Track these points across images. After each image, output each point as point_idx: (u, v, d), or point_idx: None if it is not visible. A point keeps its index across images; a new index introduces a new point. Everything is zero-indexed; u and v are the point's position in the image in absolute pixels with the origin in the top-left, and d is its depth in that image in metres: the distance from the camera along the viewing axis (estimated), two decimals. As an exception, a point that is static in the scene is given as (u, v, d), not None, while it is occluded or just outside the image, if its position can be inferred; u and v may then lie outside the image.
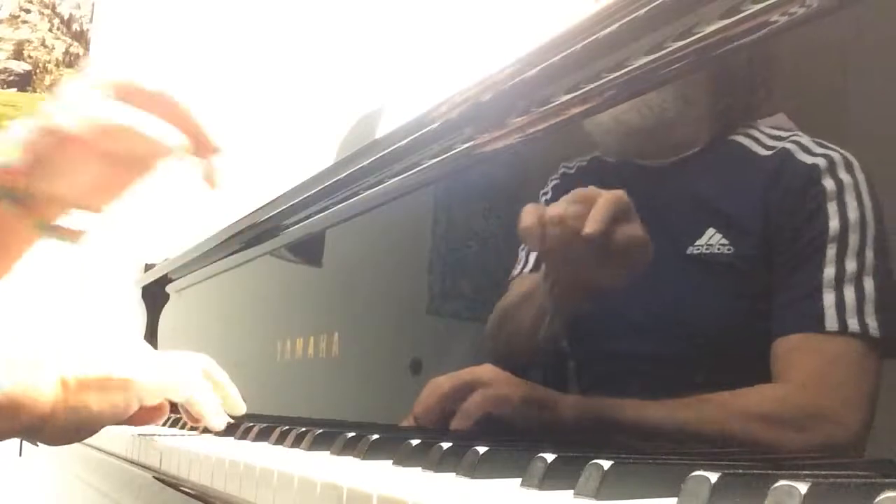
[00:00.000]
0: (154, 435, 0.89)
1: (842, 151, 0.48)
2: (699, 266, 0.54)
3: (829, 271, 0.47)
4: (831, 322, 0.47)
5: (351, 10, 2.17)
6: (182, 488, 0.73)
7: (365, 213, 0.96)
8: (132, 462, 0.91)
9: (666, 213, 0.59)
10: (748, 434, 0.50)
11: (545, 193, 0.67)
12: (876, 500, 0.29)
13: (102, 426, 0.67)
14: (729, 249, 0.53)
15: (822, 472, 0.36)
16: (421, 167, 0.84)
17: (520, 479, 0.43)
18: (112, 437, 1.02)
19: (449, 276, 0.82)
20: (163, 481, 0.80)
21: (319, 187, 1.03)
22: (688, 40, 0.55)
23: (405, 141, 0.84)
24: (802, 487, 0.31)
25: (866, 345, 0.46)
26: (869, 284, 0.46)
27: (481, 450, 0.48)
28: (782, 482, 0.32)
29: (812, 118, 0.51)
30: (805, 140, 0.50)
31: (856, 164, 0.47)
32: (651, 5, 0.56)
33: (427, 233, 0.85)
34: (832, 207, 0.48)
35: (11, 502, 2.23)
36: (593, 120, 0.64)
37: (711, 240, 0.54)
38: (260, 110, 2.43)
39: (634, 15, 0.57)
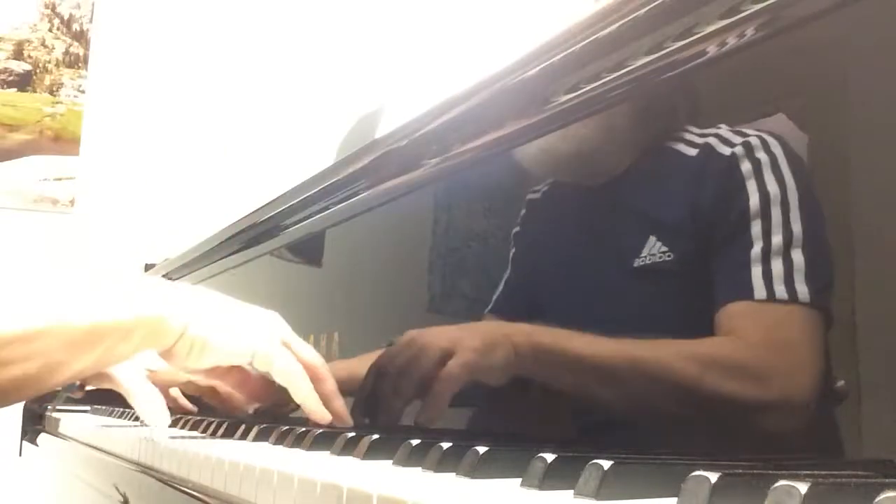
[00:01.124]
0: (154, 435, 0.89)
1: (758, 133, 0.50)
2: (647, 277, 0.55)
3: (757, 246, 0.49)
4: (759, 291, 0.49)
5: (351, 10, 2.17)
6: (182, 488, 0.73)
7: (365, 213, 0.96)
8: (132, 462, 0.91)
9: (614, 230, 0.61)
10: (693, 378, 0.52)
11: (516, 227, 0.69)
12: (876, 500, 0.29)
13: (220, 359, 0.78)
14: (669, 256, 0.54)
15: (822, 472, 0.36)
16: (421, 167, 0.84)
17: (520, 479, 0.43)
18: (113, 438, 1.02)
19: (449, 275, 0.82)
20: (163, 481, 0.80)
21: (319, 187, 1.03)
22: (688, 40, 0.55)
23: (405, 141, 0.84)
24: (802, 487, 0.31)
25: (799, 310, 0.48)
26: (797, 255, 0.47)
27: (481, 450, 0.48)
28: (782, 482, 0.32)
29: (812, 118, 0.51)
30: (724, 131, 0.52)
31: (772, 141, 0.49)
32: (651, 5, 0.56)
33: (427, 233, 0.85)
34: (751, 185, 0.50)
35: (11, 502, 2.23)
36: (542, 142, 0.66)
37: (653, 249, 0.55)
38: (260, 110, 2.43)
39: (634, 15, 0.57)
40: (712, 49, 0.54)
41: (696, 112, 0.57)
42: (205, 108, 2.65)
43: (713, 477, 0.34)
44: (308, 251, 1.13)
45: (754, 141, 0.50)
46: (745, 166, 0.50)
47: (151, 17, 2.74)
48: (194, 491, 0.70)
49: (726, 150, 0.51)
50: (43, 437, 1.57)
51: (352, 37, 2.12)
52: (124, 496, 0.88)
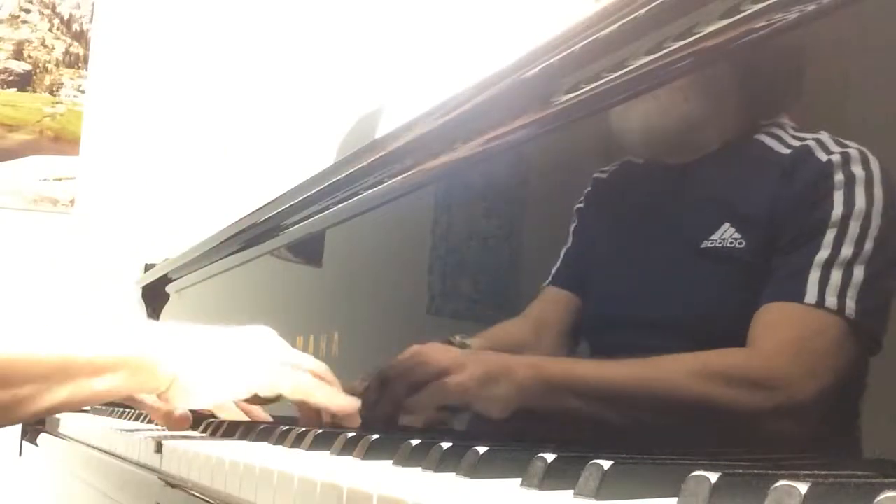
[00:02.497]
0: (155, 436, 0.89)
1: (860, 148, 0.48)
2: (713, 260, 0.55)
3: (823, 253, 0.49)
4: (811, 296, 0.49)
5: (351, 10, 2.17)
6: (182, 488, 0.73)
7: (365, 213, 0.96)
8: (132, 462, 0.91)
9: (687, 209, 0.61)
10: (704, 391, 0.52)
11: (580, 202, 0.68)
12: (876, 500, 0.29)
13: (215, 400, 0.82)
14: (741, 243, 0.54)
15: (822, 472, 0.36)
16: (421, 167, 0.84)
17: (520, 479, 0.43)
18: (113, 438, 1.02)
19: (449, 276, 0.82)
20: (163, 481, 0.80)
21: (319, 187, 1.03)
22: (688, 40, 0.55)
23: (405, 141, 0.84)
24: (802, 487, 0.31)
25: (841, 324, 0.47)
26: (859, 271, 0.47)
27: (481, 450, 0.48)
28: (782, 482, 0.32)
29: (812, 118, 0.51)
30: (825, 138, 0.50)
31: (872, 159, 0.48)
32: (651, 5, 0.56)
33: (427, 233, 0.85)
34: (839, 196, 0.49)
35: (11, 502, 2.23)
36: (619, 122, 0.65)
37: (725, 234, 0.55)
38: (260, 110, 2.43)
39: (634, 15, 0.57)
40: (712, 49, 0.54)
41: (785, 105, 0.55)
42: (205, 108, 2.65)
43: (713, 477, 0.34)
44: (308, 251, 1.13)
45: (853, 153, 0.49)
46: (839, 176, 0.49)
47: (151, 17, 2.74)
48: (194, 491, 0.70)
49: (823, 156, 0.50)
50: (43, 437, 1.56)
51: (352, 37, 2.12)
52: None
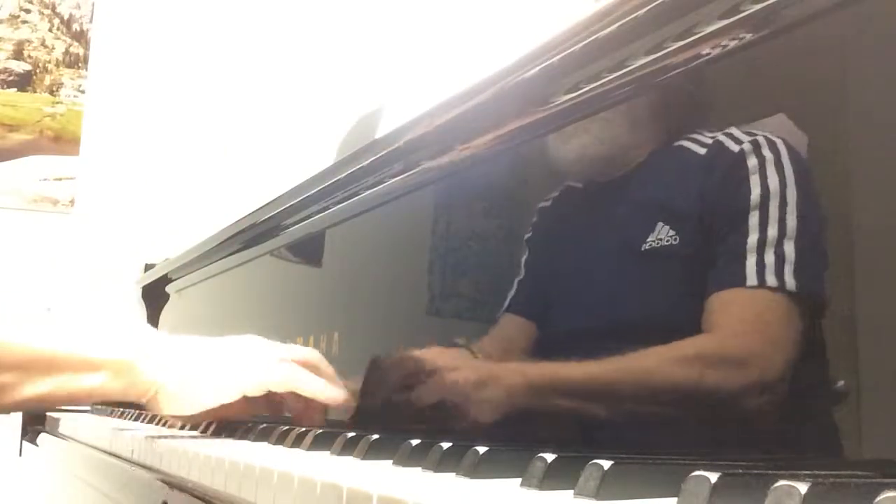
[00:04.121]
0: (155, 435, 0.89)
1: (766, 133, 0.53)
2: (654, 259, 0.59)
3: (753, 237, 0.52)
4: (751, 279, 0.52)
5: (351, 10, 2.17)
6: (182, 488, 0.73)
7: (365, 213, 0.96)
8: (132, 462, 0.91)
9: (625, 218, 0.65)
10: (676, 379, 0.55)
11: (528, 232, 0.72)
12: (876, 500, 0.29)
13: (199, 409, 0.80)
14: (675, 239, 0.58)
15: (822, 472, 0.36)
16: (421, 167, 0.84)
17: (520, 479, 0.43)
18: (112, 438, 1.02)
19: (449, 276, 0.82)
20: (163, 481, 0.80)
21: (319, 187, 1.03)
22: (688, 40, 0.55)
23: (405, 141, 0.84)
24: (802, 487, 0.31)
25: (785, 299, 0.51)
26: (789, 247, 0.51)
27: (481, 450, 0.48)
28: (782, 482, 0.32)
29: (812, 118, 0.51)
30: (734, 131, 0.55)
31: (778, 141, 0.52)
32: (651, 5, 0.56)
33: (427, 233, 0.85)
34: (754, 180, 0.53)
35: (11, 502, 2.23)
36: (557, 151, 0.70)
37: (661, 233, 0.59)
38: (260, 110, 2.43)
39: (634, 15, 0.57)
40: (712, 49, 0.54)
41: (702, 112, 0.59)
42: (205, 108, 2.65)
43: (713, 477, 0.34)
44: (308, 251, 1.13)
45: (762, 139, 0.53)
46: (752, 161, 0.53)
47: (151, 17, 2.74)
48: (194, 491, 0.70)
49: (735, 147, 0.55)
50: (43, 437, 1.56)
51: (352, 37, 2.12)
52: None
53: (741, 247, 0.53)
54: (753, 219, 0.52)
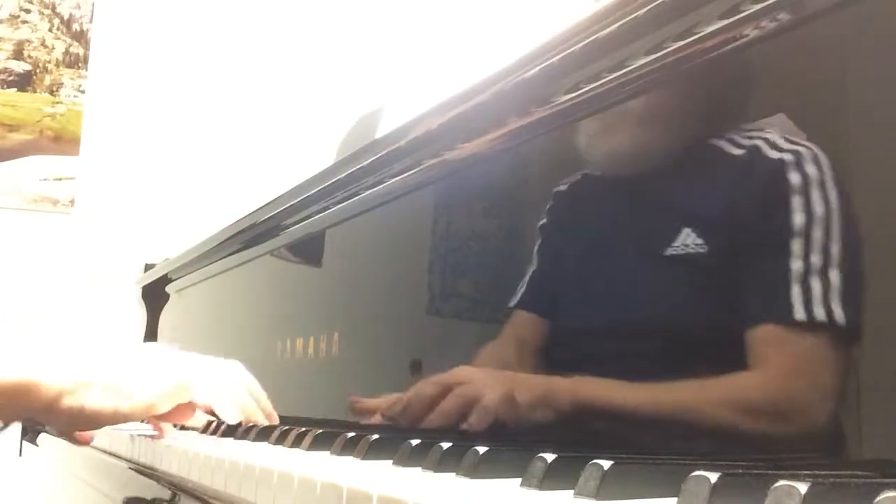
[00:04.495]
0: (154, 435, 0.89)
1: (809, 145, 0.49)
2: (677, 266, 0.56)
3: (796, 264, 0.49)
4: (799, 312, 0.49)
5: (351, 10, 2.17)
6: (182, 488, 0.73)
7: (365, 213, 0.96)
8: (132, 462, 0.91)
9: (647, 220, 0.61)
10: (724, 420, 0.52)
11: (542, 219, 0.69)
12: (876, 500, 0.29)
13: (103, 423, 0.75)
14: (703, 248, 0.55)
15: (822, 472, 0.36)
16: (421, 167, 0.84)
17: (520, 479, 0.43)
18: (112, 438, 1.02)
19: (449, 276, 0.82)
20: (163, 481, 0.80)
21: (319, 187, 1.03)
22: (688, 40, 0.55)
23: (405, 141, 0.84)
24: (802, 487, 0.31)
25: (834, 332, 0.47)
26: (834, 276, 0.47)
27: (481, 450, 0.48)
28: (782, 482, 0.32)
29: (812, 118, 0.51)
30: (774, 136, 0.51)
31: (822, 157, 0.49)
32: (651, 5, 0.56)
33: (427, 233, 0.85)
34: (797, 201, 0.49)
35: (11, 502, 2.23)
36: (580, 136, 0.66)
37: (686, 240, 0.56)
38: (260, 110, 2.43)
39: (634, 15, 0.57)
40: (711, 48, 0.54)
41: (733, 108, 0.56)
42: (205, 108, 2.65)
43: (713, 477, 0.34)
44: (308, 251, 1.13)
45: (805, 153, 0.49)
46: (794, 178, 0.49)
47: (151, 17, 2.74)
48: (194, 491, 0.70)
49: (774, 155, 0.51)
50: (43, 437, 1.56)
51: (352, 37, 2.12)
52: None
53: (782, 274, 0.49)
54: (797, 245, 0.49)
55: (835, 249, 0.48)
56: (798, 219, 0.49)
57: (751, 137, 0.53)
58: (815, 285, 0.48)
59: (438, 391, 0.71)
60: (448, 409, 0.70)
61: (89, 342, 0.77)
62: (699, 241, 0.55)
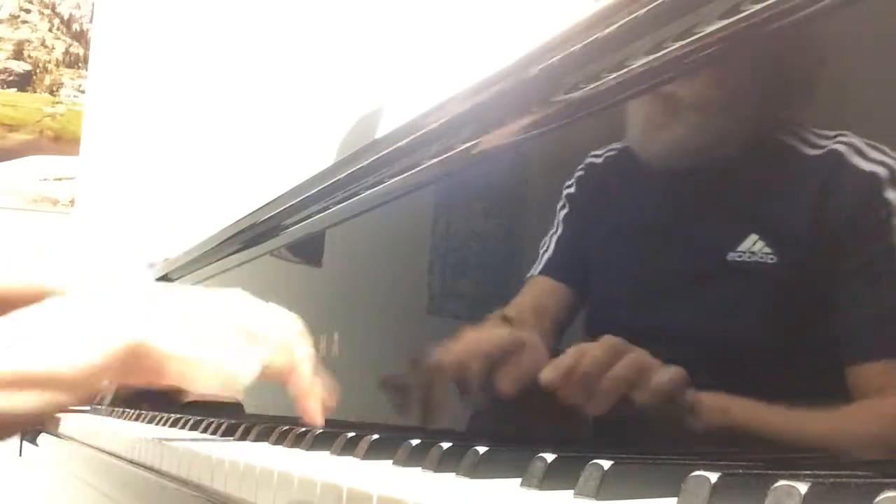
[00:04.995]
0: (154, 435, 0.89)
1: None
2: (739, 273, 0.51)
3: None
4: None
5: (351, 10, 2.17)
6: (182, 488, 0.73)
7: (365, 213, 0.96)
8: (132, 462, 0.91)
9: (703, 217, 0.56)
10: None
11: (569, 187, 0.64)
12: (876, 500, 0.29)
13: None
14: (772, 259, 0.50)
15: (822, 472, 0.36)
16: (421, 167, 0.84)
17: (520, 479, 0.43)
18: (112, 437, 1.02)
19: (449, 276, 0.82)
20: (163, 481, 0.80)
21: (319, 187, 1.03)
22: (688, 40, 0.55)
23: (405, 141, 0.84)
24: (802, 487, 0.31)
25: None
26: None
27: (481, 450, 0.48)
28: (782, 482, 0.32)
29: (812, 118, 0.51)
30: (856, 142, 0.46)
31: None
32: (651, 5, 0.56)
33: (427, 233, 0.85)
34: None
35: (11, 502, 2.23)
36: (624, 111, 0.61)
37: (754, 247, 0.50)
38: (260, 110, 2.43)
39: (634, 15, 0.57)
40: (711, 48, 0.54)
41: (806, 102, 0.51)
42: (205, 108, 2.65)
43: (713, 477, 0.34)
44: (308, 251, 1.13)
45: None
46: (893, 196, 0.44)
47: (151, 17, 2.74)
48: (194, 491, 0.70)
49: (864, 166, 0.45)
50: (43, 437, 1.56)
51: (352, 37, 2.12)
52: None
53: (891, 302, 0.44)
54: None
55: None
56: None
57: (826, 137, 0.48)
58: None
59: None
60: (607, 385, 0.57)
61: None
62: (768, 250, 0.50)
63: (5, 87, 2.68)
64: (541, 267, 0.66)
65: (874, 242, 0.45)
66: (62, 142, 2.70)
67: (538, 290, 0.66)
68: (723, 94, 0.56)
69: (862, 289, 0.46)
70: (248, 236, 1.28)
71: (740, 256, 0.51)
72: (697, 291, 0.55)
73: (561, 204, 0.65)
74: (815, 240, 0.49)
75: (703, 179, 0.57)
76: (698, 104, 0.57)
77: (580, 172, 0.64)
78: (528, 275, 0.67)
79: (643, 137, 0.61)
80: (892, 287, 0.44)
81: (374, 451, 0.60)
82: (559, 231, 0.65)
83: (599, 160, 0.63)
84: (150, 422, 1.18)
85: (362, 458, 0.60)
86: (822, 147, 0.48)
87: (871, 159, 0.45)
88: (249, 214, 1.24)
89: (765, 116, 0.54)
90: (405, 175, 0.87)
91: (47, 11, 2.75)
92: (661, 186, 0.60)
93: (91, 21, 2.78)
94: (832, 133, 0.47)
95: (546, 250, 0.66)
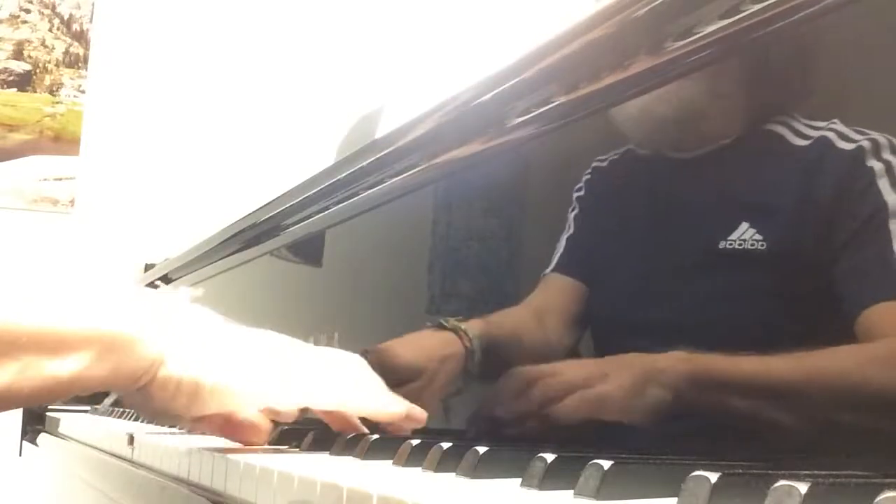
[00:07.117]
0: (154, 435, 0.89)
1: (883, 134, 0.47)
2: (732, 261, 0.53)
3: None
4: None
5: (351, 10, 2.17)
6: (182, 488, 0.73)
7: (365, 213, 0.96)
8: (132, 462, 0.91)
9: (698, 206, 0.58)
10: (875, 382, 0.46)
11: (578, 190, 0.66)
12: (876, 500, 0.29)
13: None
14: (762, 245, 0.51)
15: (822, 472, 0.36)
16: (421, 167, 0.84)
17: (520, 479, 0.43)
18: (111, 438, 1.02)
19: (449, 276, 0.82)
20: (162, 481, 0.79)
21: (319, 187, 1.03)
22: (688, 40, 0.55)
23: (405, 141, 0.84)
24: (802, 487, 0.31)
25: None
26: None
27: (481, 450, 0.48)
28: (782, 482, 0.32)
29: (811, 118, 0.51)
30: (842, 128, 0.48)
31: None
32: (651, 5, 0.56)
33: (427, 233, 0.85)
34: (884, 183, 0.46)
35: (11, 502, 2.23)
36: (623, 111, 0.63)
37: (745, 234, 0.52)
38: (260, 110, 2.43)
39: (634, 15, 0.57)
40: (711, 48, 0.54)
41: (798, 91, 0.53)
42: (205, 108, 2.65)
43: (713, 477, 0.34)
44: (308, 251, 1.13)
45: (880, 139, 0.46)
46: (876, 165, 0.46)
47: (151, 17, 2.74)
48: (194, 491, 0.70)
49: (848, 146, 0.48)
50: (43, 437, 1.56)
51: (352, 37, 2.12)
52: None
53: (888, 255, 0.45)
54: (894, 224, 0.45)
55: None
56: (892, 200, 0.46)
57: (817, 128, 0.49)
58: None
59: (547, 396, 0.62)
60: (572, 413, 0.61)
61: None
62: (758, 236, 0.52)
63: (5, 87, 2.68)
64: (552, 265, 0.68)
65: (863, 205, 0.47)
66: (62, 142, 2.70)
67: (549, 287, 0.68)
68: (721, 91, 0.57)
69: (859, 249, 0.47)
70: (248, 236, 1.28)
71: (731, 244, 0.52)
72: (702, 281, 0.57)
73: (571, 206, 0.67)
74: (816, 225, 0.50)
75: (698, 171, 0.59)
76: (698, 101, 0.58)
77: (587, 176, 0.66)
78: (543, 273, 0.69)
79: (643, 134, 0.63)
80: (890, 240, 0.45)
81: (374, 451, 0.60)
82: (570, 230, 0.67)
83: (605, 164, 0.65)
84: (151, 421, 1.18)
85: (362, 459, 0.60)
86: (810, 136, 0.50)
87: (853, 139, 0.47)
88: (249, 214, 1.24)
89: (760, 109, 0.55)
90: (405, 175, 0.87)
91: (47, 11, 2.75)
92: (662, 184, 0.61)
93: (91, 21, 2.78)
94: (822, 123, 0.49)
95: (557, 249, 0.68)
